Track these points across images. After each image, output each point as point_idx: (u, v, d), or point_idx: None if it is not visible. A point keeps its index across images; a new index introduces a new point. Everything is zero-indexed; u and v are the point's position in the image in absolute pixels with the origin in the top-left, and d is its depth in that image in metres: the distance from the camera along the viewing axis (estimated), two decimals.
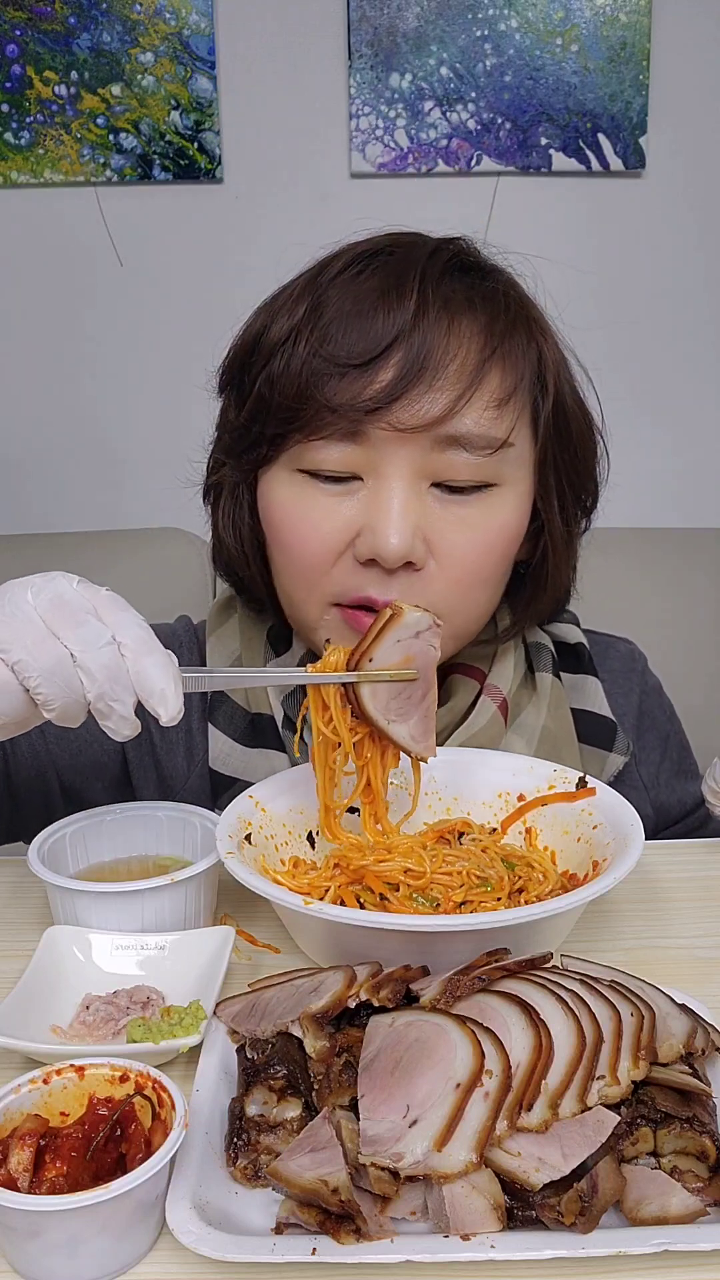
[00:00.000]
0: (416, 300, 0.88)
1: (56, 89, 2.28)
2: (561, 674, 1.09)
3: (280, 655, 1.05)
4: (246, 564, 1.03)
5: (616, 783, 1.05)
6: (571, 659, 1.11)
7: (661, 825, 1.12)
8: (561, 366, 0.97)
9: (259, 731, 1.02)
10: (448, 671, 1.03)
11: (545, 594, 1.04)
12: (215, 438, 1.02)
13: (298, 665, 1.02)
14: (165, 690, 0.71)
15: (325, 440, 0.90)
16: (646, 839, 0.79)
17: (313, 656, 1.01)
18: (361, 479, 0.91)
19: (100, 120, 2.30)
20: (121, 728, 0.72)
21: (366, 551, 0.90)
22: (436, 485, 0.91)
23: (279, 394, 0.91)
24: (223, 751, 1.01)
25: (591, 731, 1.06)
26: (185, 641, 1.10)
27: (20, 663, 0.68)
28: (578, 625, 1.14)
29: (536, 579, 1.03)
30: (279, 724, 1.01)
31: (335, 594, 0.93)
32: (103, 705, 0.70)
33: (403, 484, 0.90)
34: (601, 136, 2.33)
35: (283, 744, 1.01)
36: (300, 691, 1.01)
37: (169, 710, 0.71)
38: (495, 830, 0.89)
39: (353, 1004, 0.63)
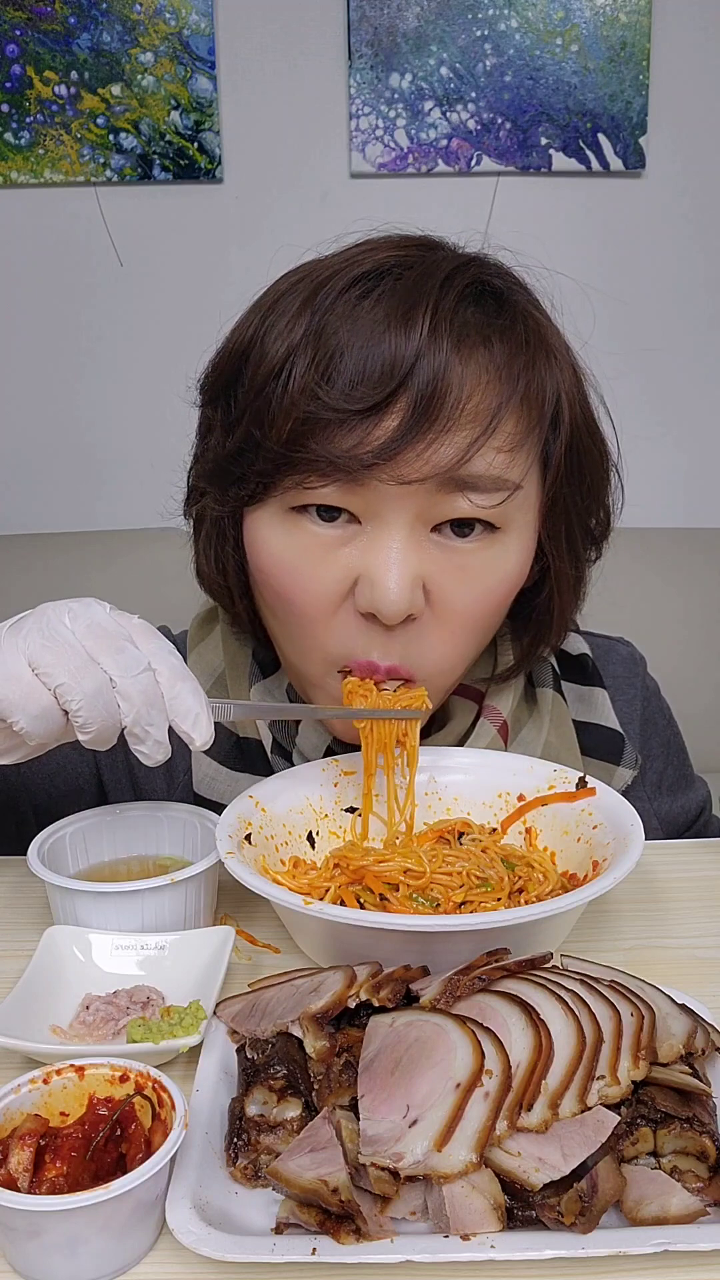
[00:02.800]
0: (427, 335, 0.80)
1: (56, 89, 2.29)
2: (566, 684, 1.06)
3: (267, 678, 1.01)
4: (231, 599, 0.97)
5: (625, 795, 1.01)
6: (576, 670, 1.08)
7: (670, 837, 1.09)
8: (576, 398, 0.89)
9: (245, 755, 0.99)
10: None
11: (551, 633, 0.98)
12: (197, 454, 0.95)
13: (286, 690, 1.00)
14: (199, 715, 0.72)
15: (321, 487, 0.83)
16: None
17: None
18: (359, 521, 0.84)
19: (100, 120, 2.30)
20: (155, 752, 0.73)
21: (366, 605, 0.83)
22: (438, 529, 0.85)
23: (270, 436, 0.83)
24: (207, 775, 0.98)
25: (598, 745, 1.03)
26: None
27: (63, 686, 0.69)
28: (579, 632, 1.10)
29: (541, 617, 0.97)
30: (267, 748, 0.98)
31: (338, 656, 0.87)
32: (139, 729, 0.71)
33: (403, 532, 0.83)
34: (601, 136, 2.33)
35: (270, 768, 0.97)
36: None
37: (202, 735, 0.73)
38: (495, 830, 0.89)
39: (353, 1004, 0.63)
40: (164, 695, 0.72)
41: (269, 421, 0.83)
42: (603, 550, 1.00)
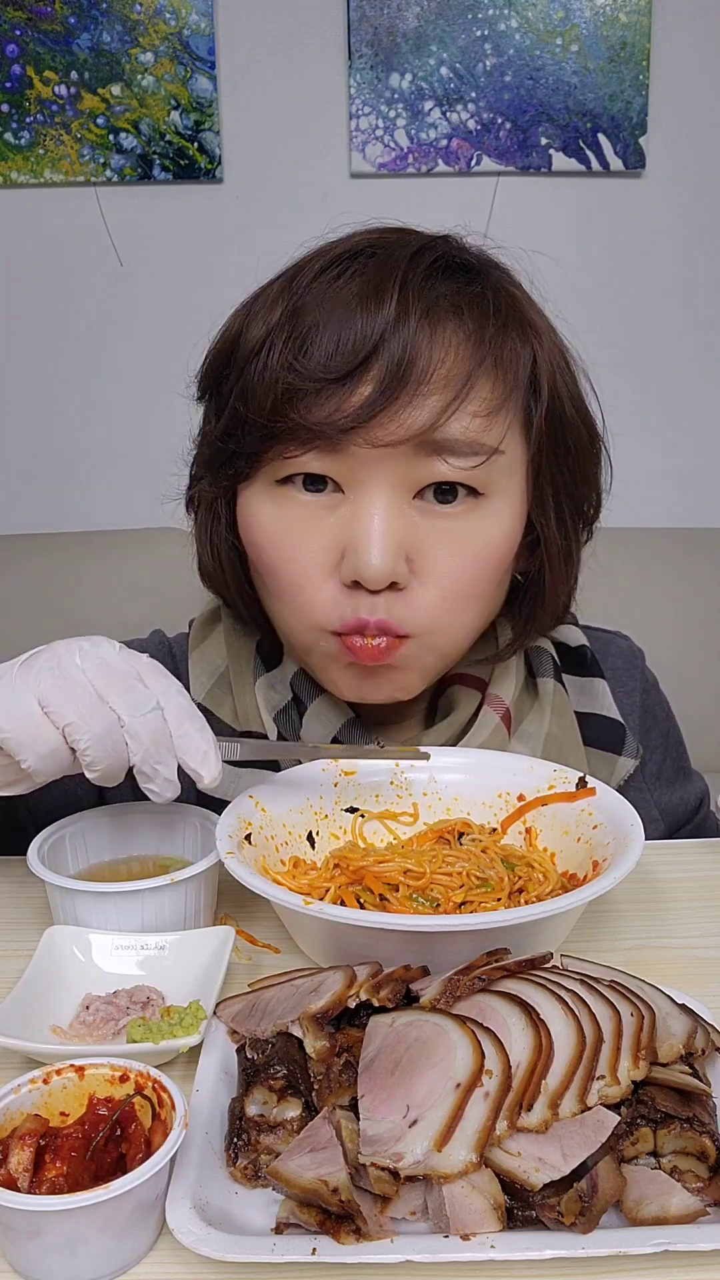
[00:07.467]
0: (396, 306, 0.83)
1: (56, 89, 2.29)
2: (566, 676, 1.07)
3: (271, 670, 1.02)
4: (226, 584, 1.00)
5: (626, 786, 1.03)
6: (575, 662, 1.08)
7: (671, 830, 1.10)
8: (558, 370, 0.91)
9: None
10: (447, 682, 1.01)
11: (544, 610, 1.00)
12: (196, 448, 0.98)
13: (289, 681, 1.00)
14: (208, 753, 0.73)
15: (303, 455, 0.86)
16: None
17: (305, 674, 1.00)
18: (342, 490, 0.87)
19: (100, 120, 2.30)
20: (165, 790, 0.74)
21: (350, 574, 0.86)
22: (421, 495, 0.87)
23: (253, 410, 0.86)
24: None
25: (600, 735, 1.04)
26: (159, 661, 1.07)
27: (72, 725, 0.70)
28: (576, 624, 1.11)
29: (534, 594, 0.99)
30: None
31: (327, 622, 0.89)
32: (147, 768, 0.72)
33: (384, 499, 0.85)
34: (601, 136, 2.33)
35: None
36: (293, 710, 0.99)
37: (210, 772, 0.74)
38: (495, 830, 0.89)
39: (353, 1004, 0.63)
40: (171, 734, 0.73)
41: (252, 397, 0.87)
42: (594, 532, 1.01)
